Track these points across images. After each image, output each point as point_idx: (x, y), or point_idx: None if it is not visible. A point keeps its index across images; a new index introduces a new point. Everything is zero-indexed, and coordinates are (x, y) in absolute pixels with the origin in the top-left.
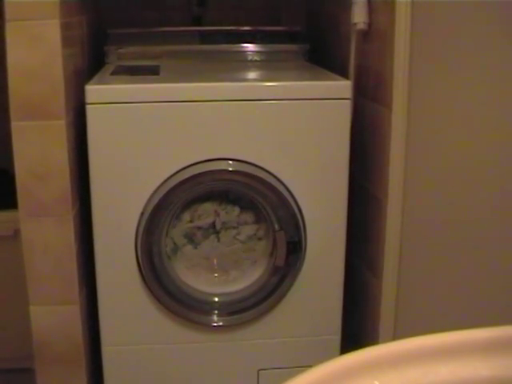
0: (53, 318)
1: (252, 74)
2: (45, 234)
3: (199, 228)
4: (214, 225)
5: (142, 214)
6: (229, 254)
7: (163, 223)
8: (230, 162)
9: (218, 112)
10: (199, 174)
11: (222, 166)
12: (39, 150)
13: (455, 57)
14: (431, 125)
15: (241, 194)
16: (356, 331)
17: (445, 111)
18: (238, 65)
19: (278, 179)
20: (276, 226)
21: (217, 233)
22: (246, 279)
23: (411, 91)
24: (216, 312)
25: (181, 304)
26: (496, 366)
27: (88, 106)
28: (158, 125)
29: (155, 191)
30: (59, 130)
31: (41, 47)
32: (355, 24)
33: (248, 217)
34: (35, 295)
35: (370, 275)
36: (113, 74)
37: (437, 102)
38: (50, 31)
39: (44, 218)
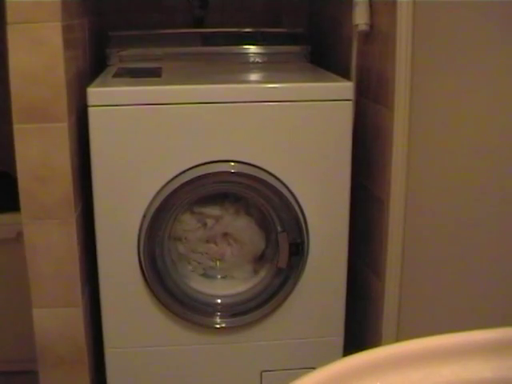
0: (55, 320)
1: (254, 76)
2: (47, 237)
3: (202, 229)
4: (217, 227)
5: (145, 216)
6: (231, 256)
7: (165, 225)
8: (232, 163)
9: (220, 114)
10: (201, 175)
11: (224, 167)
12: (41, 153)
13: (457, 57)
14: (433, 126)
15: (244, 197)
16: (359, 333)
17: (446, 112)
18: (240, 67)
19: (281, 181)
20: (278, 228)
21: (209, 231)
22: (248, 281)
23: (413, 92)
24: (219, 314)
25: (183, 306)
26: (498, 367)
27: (90, 109)
28: (160, 127)
29: (157, 193)
30: (61, 132)
31: (42, 50)
32: (357, 25)
33: (251, 220)
34: (38, 298)
35: (373, 276)
36: (115, 76)
37: (438, 103)
38: (52, 34)
39: (46, 221)
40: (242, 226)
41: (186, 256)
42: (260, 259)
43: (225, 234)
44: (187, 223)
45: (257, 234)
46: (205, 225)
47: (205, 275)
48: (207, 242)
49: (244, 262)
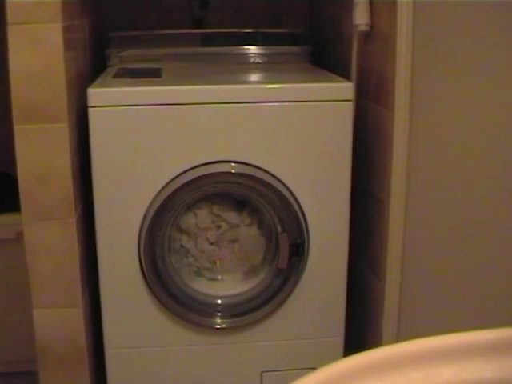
0: (56, 320)
1: (254, 76)
2: (48, 237)
3: (202, 230)
4: (216, 227)
5: (145, 216)
6: (231, 257)
7: (166, 225)
8: (233, 164)
9: (220, 114)
10: (202, 176)
11: (224, 168)
12: (42, 153)
13: (457, 58)
14: (433, 126)
15: (243, 197)
16: (359, 333)
17: (447, 112)
18: (239, 67)
19: (281, 181)
20: (279, 229)
21: (219, 235)
22: (248, 281)
23: (413, 93)
24: (219, 314)
25: (184, 306)
26: (499, 367)
27: (90, 109)
28: (161, 127)
29: (158, 194)
30: (61, 133)
31: (43, 50)
32: (357, 25)
33: (251, 220)
34: (38, 298)
35: (373, 277)
36: (115, 76)
37: (439, 104)
38: (52, 34)
39: (47, 221)
40: (251, 238)
41: (187, 249)
42: (249, 271)
43: (231, 241)
44: (203, 221)
45: (260, 248)
46: (218, 227)
47: (204, 276)
48: (211, 243)
49: (237, 269)
